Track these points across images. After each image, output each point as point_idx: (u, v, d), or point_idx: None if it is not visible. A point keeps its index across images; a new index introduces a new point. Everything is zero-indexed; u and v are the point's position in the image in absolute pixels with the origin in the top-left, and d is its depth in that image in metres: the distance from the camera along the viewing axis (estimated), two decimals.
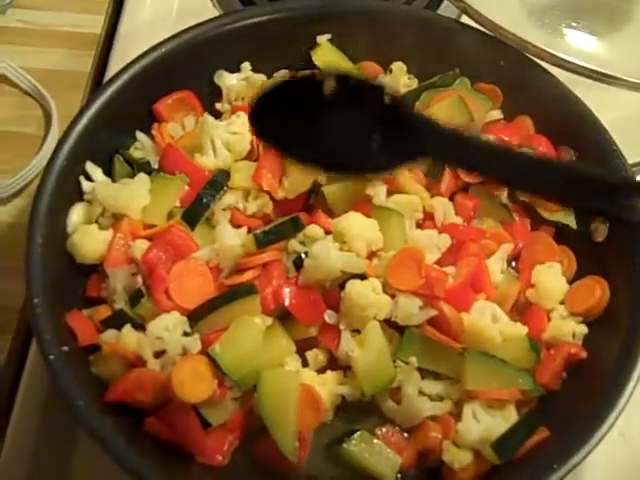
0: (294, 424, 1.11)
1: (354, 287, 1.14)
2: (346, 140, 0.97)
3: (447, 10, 1.58)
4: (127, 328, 1.14)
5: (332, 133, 0.97)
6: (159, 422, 1.11)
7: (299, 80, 1.00)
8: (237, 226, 1.23)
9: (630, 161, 1.27)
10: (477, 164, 0.95)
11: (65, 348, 1.08)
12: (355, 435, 1.14)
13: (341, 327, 1.17)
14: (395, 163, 1.00)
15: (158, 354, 1.13)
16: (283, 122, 1.00)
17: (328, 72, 0.97)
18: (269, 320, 1.16)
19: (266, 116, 1.00)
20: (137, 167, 1.31)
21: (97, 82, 1.64)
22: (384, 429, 1.17)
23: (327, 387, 1.17)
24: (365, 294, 1.14)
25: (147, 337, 1.12)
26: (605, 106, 1.33)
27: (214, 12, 1.66)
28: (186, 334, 1.13)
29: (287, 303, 1.16)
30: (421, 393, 1.17)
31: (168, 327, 1.13)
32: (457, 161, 0.99)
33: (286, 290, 1.17)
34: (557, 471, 1.02)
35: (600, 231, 1.26)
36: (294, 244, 1.21)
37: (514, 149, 0.97)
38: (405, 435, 1.18)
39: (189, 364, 1.11)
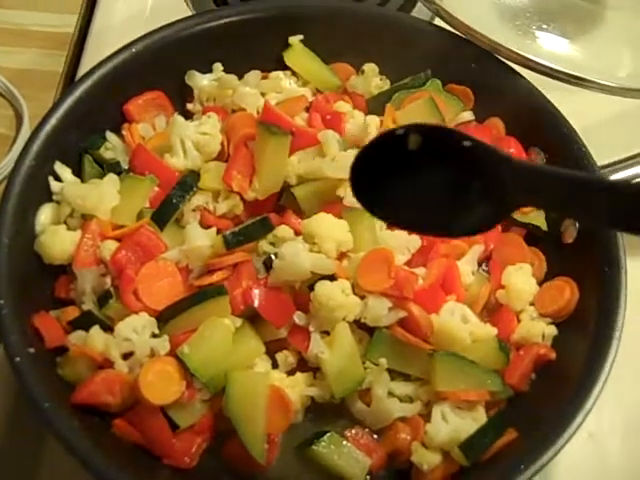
0: (263, 426, 1.11)
1: (323, 288, 1.14)
2: (440, 198, 0.95)
3: (420, 12, 1.58)
4: (95, 329, 1.13)
5: (428, 192, 0.95)
6: (127, 424, 1.10)
7: (384, 139, 0.96)
8: (207, 227, 1.23)
9: (599, 163, 1.27)
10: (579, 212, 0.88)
11: (32, 350, 1.08)
12: (324, 437, 1.13)
13: (311, 329, 1.17)
14: (497, 216, 0.94)
15: (126, 356, 1.12)
16: (379, 185, 0.97)
17: (409, 127, 0.93)
18: (238, 321, 1.16)
19: (363, 181, 0.99)
20: (107, 167, 1.30)
21: (69, 82, 1.63)
22: (354, 431, 1.17)
23: (297, 389, 1.16)
24: (334, 295, 1.13)
25: (115, 338, 1.12)
26: (576, 109, 1.34)
27: (187, 12, 1.66)
28: (155, 335, 1.13)
29: (256, 304, 1.16)
30: (391, 394, 1.16)
31: (136, 328, 1.12)
32: (559, 209, 0.92)
33: (255, 291, 1.16)
34: (524, 472, 1.03)
35: (570, 232, 1.26)
36: (264, 245, 1.20)
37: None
38: (375, 437, 1.18)
39: (157, 366, 1.10)
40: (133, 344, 1.11)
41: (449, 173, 0.92)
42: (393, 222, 1.05)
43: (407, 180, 0.95)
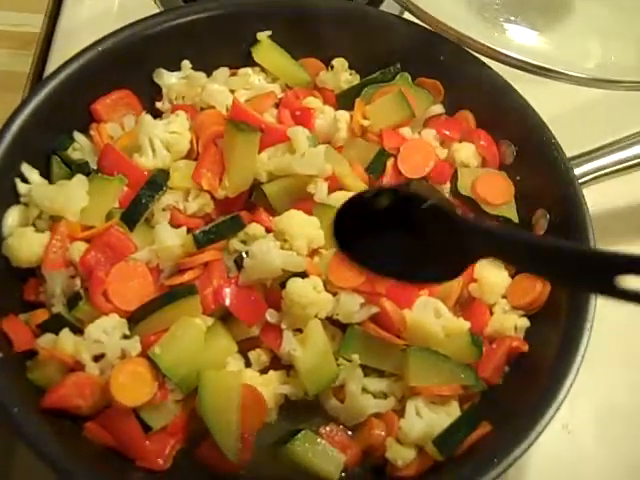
0: (236, 425, 1.10)
1: (295, 286, 1.13)
2: (405, 250, 1.00)
3: (389, 6, 1.57)
4: (64, 332, 1.12)
5: (392, 244, 1.01)
6: (98, 427, 1.09)
7: (359, 199, 1.04)
8: (177, 226, 1.22)
9: (569, 154, 1.27)
10: (525, 260, 0.94)
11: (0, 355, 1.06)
12: (299, 435, 1.12)
13: (283, 326, 1.16)
14: (453, 270, 1.00)
15: (97, 358, 1.11)
16: (356, 236, 1.03)
17: (380, 189, 1.03)
18: (210, 320, 1.15)
19: (342, 231, 1.04)
20: (75, 168, 1.28)
21: (37, 83, 1.61)
22: (328, 428, 1.17)
23: (270, 387, 1.16)
24: (306, 292, 1.13)
25: (85, 340, 1.10)
26: (545, 100, 1.34)
27: (155, 9, 1.63)
28: (126, 337, 1.12)
29: (228, 303, 1.15)
30: (365, 391, 1.16)
31: (107, 330, 1.11)
32: (505, 257, 0.99)
33: (227, 290, 1.16)
34: (498, 465, 1.03)
35: (540, 225, 1.27)
36: (235, 243, 1.20)
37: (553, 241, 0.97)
38: (349, 433, 1.17)
39: (128, 367, 1.10)
40: (104, 346, 1.10)
41: (413, 229, 0.99)
42: (367, 269, 1.07)
43: (379, 234, 1.01)
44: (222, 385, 1.11)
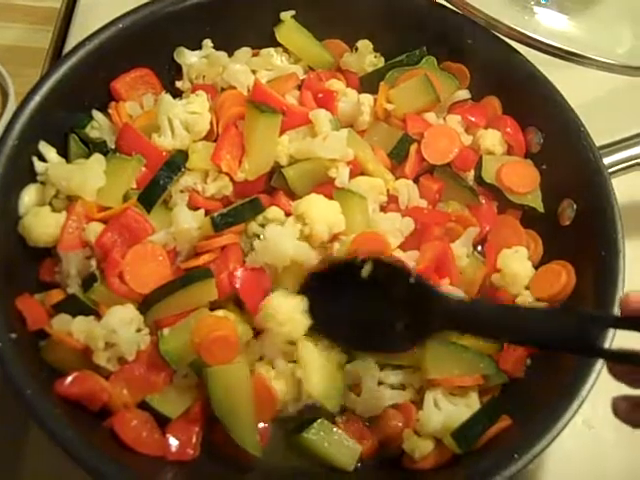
0: (251, 418, 1.08)
1: None
2: (378, 321, 1.00)
3: None
4: (78, 319, 1.10)
5: (366, 314, 1.00)
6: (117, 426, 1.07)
7: (340, 266, 1.03)
8: (195, 208, 1.19)
9: (598, 143, 1.24)
10: (497, 332, 0.96)
11: (13, 335, 1.05)
12: (315, 424, 1.11)
13: None
14: (419, 339, 1.00)
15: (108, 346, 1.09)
16: (327, 306, 1.03)
17: (366, 258, 0.99)
18: (231, 315, 1.13)
19: (313, 300, 1.03)
20: (93, 147, 1.26)
21: (56, 59, 1.59)
22: (344, 417, 1.15)
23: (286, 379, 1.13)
24: None
25: (101, 328, 1.08)
26: (574, 87, 1.31)
27: None
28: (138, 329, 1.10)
29: (238, 286, 1.13)
30: (381, 383, 1.14)
31: (124, 321, 1.08)
32: (478, 331, 0.99)
33: (238, 273, 1.13)
34: (518, 460, 1.00)
35: (567, 215, 1.24)
36: (254, 227, 1.18)
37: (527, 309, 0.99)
38: (366, 423, 1.15)
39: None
40: (118, 337, 1.07)
41: (386, 300, 0.99)
42: (328, 336, 1.07)
43: (349, 301, 1.01)
44: (231, 380, 1.08)
